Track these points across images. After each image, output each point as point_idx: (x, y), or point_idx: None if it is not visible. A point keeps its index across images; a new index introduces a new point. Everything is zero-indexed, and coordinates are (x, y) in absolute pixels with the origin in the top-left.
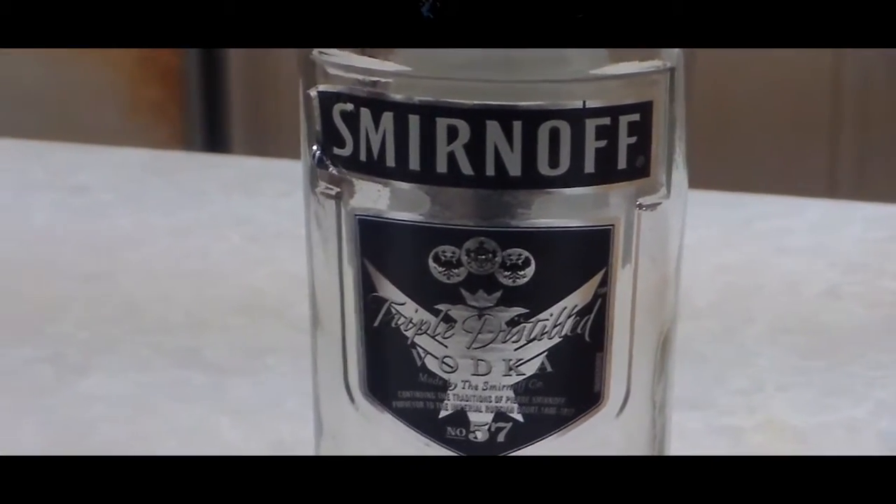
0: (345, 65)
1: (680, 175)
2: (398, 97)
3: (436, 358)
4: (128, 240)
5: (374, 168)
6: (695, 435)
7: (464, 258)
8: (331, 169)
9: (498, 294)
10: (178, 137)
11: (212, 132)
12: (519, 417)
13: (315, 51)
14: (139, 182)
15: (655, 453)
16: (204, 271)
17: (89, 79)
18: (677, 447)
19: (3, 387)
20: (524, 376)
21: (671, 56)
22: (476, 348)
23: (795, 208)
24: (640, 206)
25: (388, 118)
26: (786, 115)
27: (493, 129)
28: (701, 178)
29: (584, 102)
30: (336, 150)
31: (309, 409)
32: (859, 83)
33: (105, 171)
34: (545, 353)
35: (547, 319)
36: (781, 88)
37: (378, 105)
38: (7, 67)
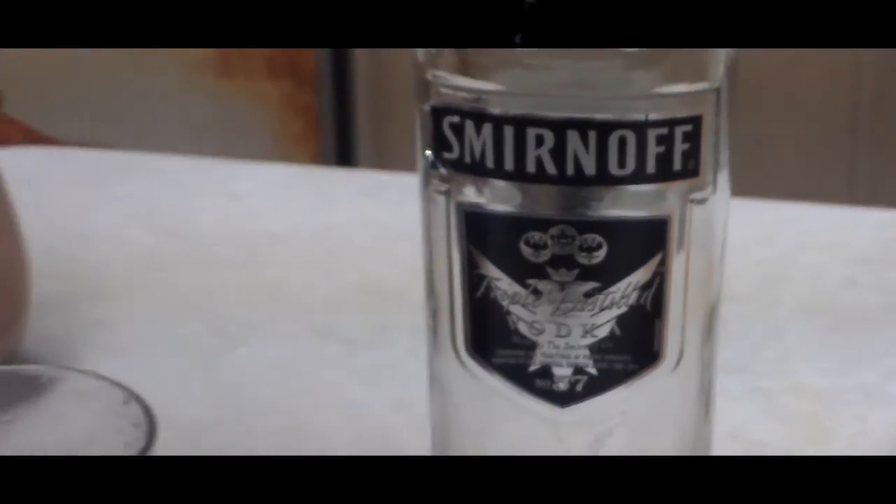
0: (452, 84)
1: (724, 175)
2: (496, 111)
3: (526, 323)
4: (276, 238)
5: (476, 169)
6: (734, 394)
7: (549, 242)
8: (441, 170)
9: (576, 271)
10: (314, 161)
11: (341, 157)
12: (593, 371)
13: (430, 72)
14: (286, 191)
15: (703, 404)
16: (338, 263)
17: (246, 115)
18: (720, 403)
19: (177, 354)
20: (597, 338)
21: (717, 78)
22: (559, 315)
23: (819, 213)
24: (692, 201)
25: (487, 128)
26: (810, 132)
27: (572, 137)
28: (743, 187)
29: (646, 116)
30: (445, 155)
31: (423, 371)
32: (875, 104)
33: (258, 182)
34: (614, 320)
35: (616, 292)
36: (805, 110)
37: (480, 117)
38: (182, 104)
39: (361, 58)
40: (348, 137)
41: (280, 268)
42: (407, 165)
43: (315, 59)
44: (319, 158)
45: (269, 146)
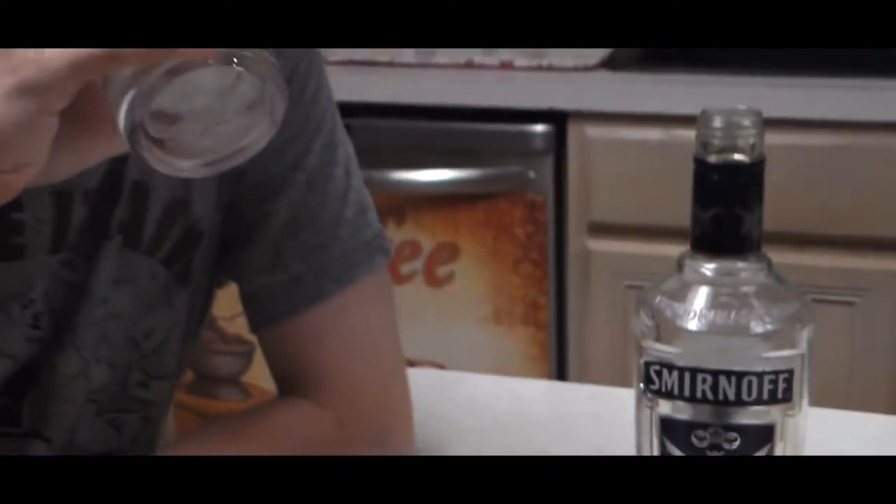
0: (654, 348)
1: (805, 399)
2: (679, 363)
3: None
4: (544, 423)
5: (668, 395)
6: None
7: (707, 436)
8: (647, 395)
9: (722, 453)
10: (543, 376)
11: (559, 375)
12: None
13: (642, 342)
14: (536, 397)
15: None
16: (576, 433)
17: (507, 346)
18: None
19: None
20: None
21: (803, 347)
22: None
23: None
24: (788, 415)
25: (675, 374)
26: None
27: (722, 379)
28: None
29: (763, 368)
30: (650, 387)
31: (627, 447)
32: None
33: (524, 390)
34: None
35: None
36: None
37: (670, 367)
38: (475, 340)
39: (573, 314)
40: (564, 362)
41: (543, 436)
42: (601, 381)
43: (547, 314)
44: (547, 375)
45: (519, 367)
